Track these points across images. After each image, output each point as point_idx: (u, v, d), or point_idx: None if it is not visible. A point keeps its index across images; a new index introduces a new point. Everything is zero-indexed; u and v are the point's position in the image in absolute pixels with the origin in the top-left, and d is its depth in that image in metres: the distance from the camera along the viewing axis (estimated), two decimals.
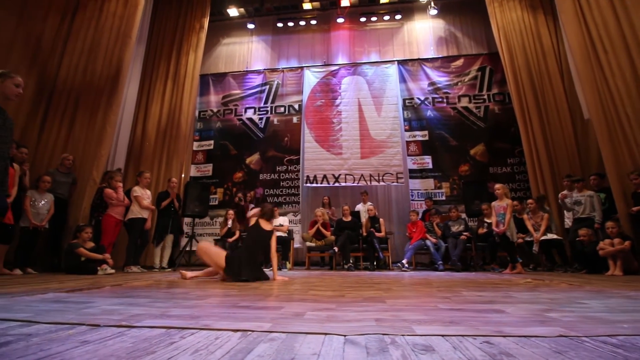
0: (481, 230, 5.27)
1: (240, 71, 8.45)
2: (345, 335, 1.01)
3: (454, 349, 0.86)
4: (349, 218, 5.88)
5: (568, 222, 4.94)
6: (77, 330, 1.07)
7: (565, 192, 4.92)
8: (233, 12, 8.44)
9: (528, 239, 5.00)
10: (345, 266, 5.20)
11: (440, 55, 7.98)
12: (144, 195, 4.65)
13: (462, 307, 1.54)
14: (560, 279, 3.20)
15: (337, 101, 7.90)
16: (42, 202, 4.14)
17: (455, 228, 5.43)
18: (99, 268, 3.86)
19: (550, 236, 4.90)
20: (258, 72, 8.39)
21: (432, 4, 7.95)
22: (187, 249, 5.63)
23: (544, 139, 6.06)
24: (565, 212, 5.01)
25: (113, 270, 3.95)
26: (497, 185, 4.60)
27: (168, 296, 1.95)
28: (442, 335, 1.00)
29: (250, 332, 1.04)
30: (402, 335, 1.00)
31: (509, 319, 1.24)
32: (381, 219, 5.82)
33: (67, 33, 5.65)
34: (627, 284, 2.67)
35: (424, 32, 8.30)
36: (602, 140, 4.60)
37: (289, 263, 5.45)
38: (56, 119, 5.22)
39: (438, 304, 1.62)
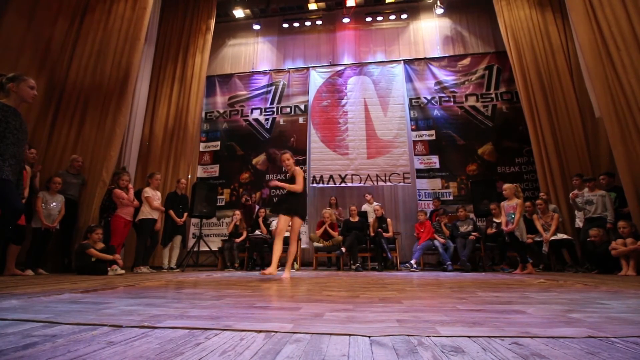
0: (490, 230, 5.23)
1: (246, 72, 8.49)
2: (370, 337, 1.00)
3: (483, 350, 0.85)
4: (357, 218, 5.86)
5: (578, 222, 4.89)
6: (100, 331, 1.07)
7: (576, 191, 4.87)
8: (239, 13, 8.47)
9: (538, 239, 4.95)
10: (353, 267, 5.19)
11: (446, 54, 7.95)
12: (155, 196, 4.68)
13: (481, 307, 1.52)
14: (574, 279, 3.16)
15: (343, 101, 7.89)
16: (53, 204, 4.18)
17: (463, 228, 5.40)
18: (109, 268, 3.89)
19: (560, 236, 4.85)
20: (264, 72, 8.41)
21: (438, 3, 7.92)
22: (195, 249, 5.65)
23: (553, 137, 6.01)
24: (576, 212, 4.96)
25: (123, 271, 3.98)
26: (505, 186, 4.56)
27: (182, 296, 1.96)
28: (469, 337, 0.98)
29: (274, 333, 1.03)
30: (428, 336, 0.99)
31: (532, 320, 1.22)
32: (389, 219, 5.80)
33: (76, 36, 5.70)
34: None
35: (430, 31, 8.27)
36: (614, 138, 4.55)
37: (297, 263, 5.44)
38: (65, 121, 5.27)
39: (456, 305, 1.61)
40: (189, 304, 1.64)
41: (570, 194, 4.92)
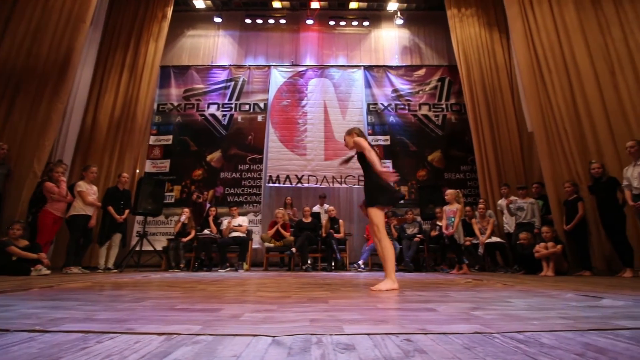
0: (433, 233, 5.53)
1: (205, 65, 8.20)
2: (274, 337, 1.01)
3: (373, 347, 0.89)
4: (310, 219, 5.90)
5: (507, 227, 5.33)
6: None
7: (511, 198, 5.30)
8: (199, 3, 8.18)
9: (475, 241, 5.31)
10: (303, 267, 5.21)
11: (404, 64, 8.27)
12: (90, 190, 4.34)
13: (399, 306, 1.60)
14: (498, 279, 3.43)
15: (303, 102, 7.91)
16: None
17: (410, 230, 5.65)
18: (32, 268, 3.56)
19: (494, 239, 5.25)
20: (223, 67, 8.18)
21: (399, 14, 8.24)
22: (137, 248, 5.33)
23: (493, 148, 6.49)
24: (504, 217, 5.41)
25: (49, 271, 3.65)
26: (448, 191, 4.86)
27: (102, 299, 1.84)
28: (368, 334, 1.02)
29: (175, 335, 1.00)
30: (330, 334, 1.02)
31: (436, 317, 1.31)
32: (341, 220, 5.90)
33: (10, 11, 5.13)
34: (555, 284, 2.93)
35: (390, 40, 8.56)
36: (542, 151, 5.01)
37: (246, 264, 5.35)
38: None
39: (377, 304, 1.67)
40: (103, 307, 1.55)
41: (505, 201, 5.36)
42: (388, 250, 2.53)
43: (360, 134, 2.80)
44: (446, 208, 4.87)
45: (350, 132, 2.81)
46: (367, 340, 0.96)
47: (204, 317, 1.31)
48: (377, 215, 2.57)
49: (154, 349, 0.87)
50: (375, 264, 6.32)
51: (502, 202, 5.51)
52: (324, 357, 0.82)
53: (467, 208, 5.31)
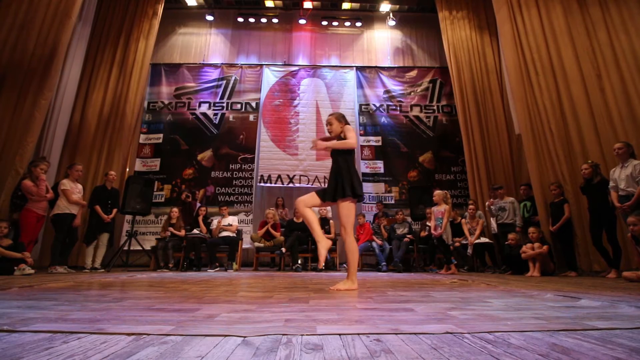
0: (423, 233, 5.57)
1: (196, 63, 8.14)
2: (245, 337, 1.00)
3: (341, 347, 0.89)
4: (301, 219, 5.88)
5: (493, 228, 5.39)
6: None
7: (491, 199, 5.36)
8: (191, 1, 8.12)
9: (464, 242, 5.36)
10: (294, 267, 5.21)
11: (396, 65, 8.31)
12: (74, 189, 4.28)
13: (377, 306, 1.61)
14: (483, 279, 3.46)
15: (295, 102, 7.91)
16: None
17: (400, 230, 5.68)
18: (15, 268, 3.49)
19: (483, 240, 5.30)
20: (215, 65, 8.14)
21: (391, 15, 8.28)
22: (125, 248, 5.27)
23: (483, 150, 6.55)
24: (491, 218, 5.47)
25: (32, 271, 3.59)
26: (435, 192, 4.90)
27: (80, 298, 1.82)
28: (340, 334, 1.03)
29: (145, 336, 0.99)
30: (302, 335, 1.02)
31: (412, 317, 1.31)
32: (331, 221, 5.90)
33: None
34: (538, 284, 2.96)
35: (382, 41, 8.60)
36: (529, 153, 5.08)
37: (236, 264, 5.32)
38: None
39: (357, 304, 1.67)
40: (79, 307, 1.53)
41: (487, 202, 5.41)
42: (353, 253, 2.50)
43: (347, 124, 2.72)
44: (434, 209, 4.91)
45: (340, 119, 2.71)
46: (337, 341, 0.96)
47: (179, 317, 1.30)
48: (351, 210, 2.48)
49: (119, 350, 0.86)
50: (365, 264, 6.34)
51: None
52: (289, 357, 0.82)
53: (453, 213, 5.35)
